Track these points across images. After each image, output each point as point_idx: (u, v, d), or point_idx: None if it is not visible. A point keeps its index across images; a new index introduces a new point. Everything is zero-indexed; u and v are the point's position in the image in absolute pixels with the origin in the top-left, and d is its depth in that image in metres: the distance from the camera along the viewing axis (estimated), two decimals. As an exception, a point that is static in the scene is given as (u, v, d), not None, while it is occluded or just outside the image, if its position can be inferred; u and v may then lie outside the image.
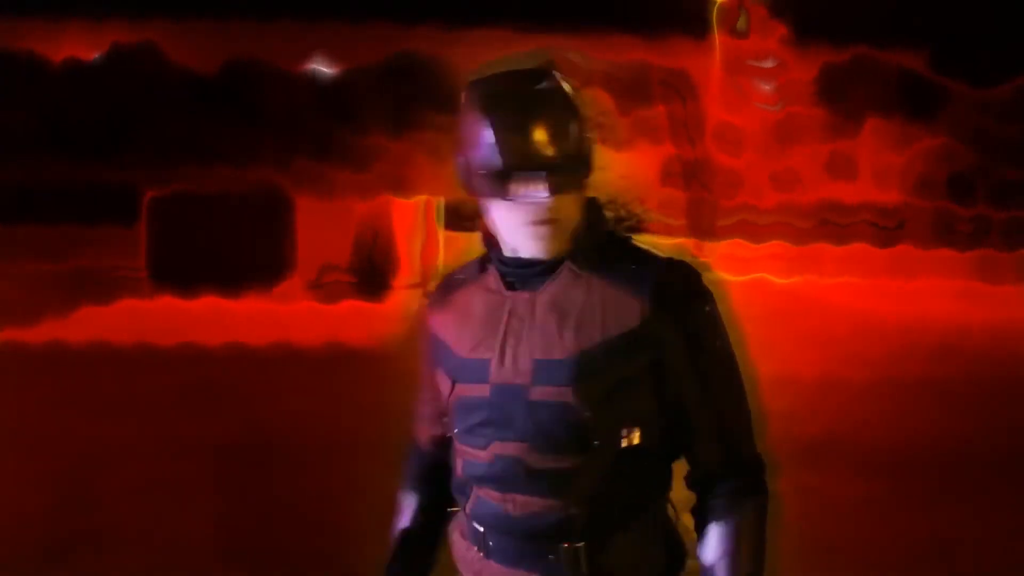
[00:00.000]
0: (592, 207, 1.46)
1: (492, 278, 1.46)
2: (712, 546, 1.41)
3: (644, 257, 1.46)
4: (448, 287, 1.54)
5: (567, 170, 1.36)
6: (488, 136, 1.34)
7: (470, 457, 1.45)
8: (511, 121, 1.35)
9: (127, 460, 5.29)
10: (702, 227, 18.86)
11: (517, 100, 1.36)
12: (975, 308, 14.09)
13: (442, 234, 15.87)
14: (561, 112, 1.37)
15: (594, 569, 1.41)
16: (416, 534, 1.62)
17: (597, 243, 1.44)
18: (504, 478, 1.40)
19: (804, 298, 14.92)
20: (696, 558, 1.45)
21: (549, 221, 1.37)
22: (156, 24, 31.59)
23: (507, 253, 1.44)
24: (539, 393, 1.37)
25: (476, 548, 1.48)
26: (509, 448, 1.39)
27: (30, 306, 11.57)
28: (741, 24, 28.65)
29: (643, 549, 1.44)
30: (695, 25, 24.17)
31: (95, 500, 4.66)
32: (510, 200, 1.36)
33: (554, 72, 1.39)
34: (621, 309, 1.38)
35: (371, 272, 14.89)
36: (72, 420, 6.18)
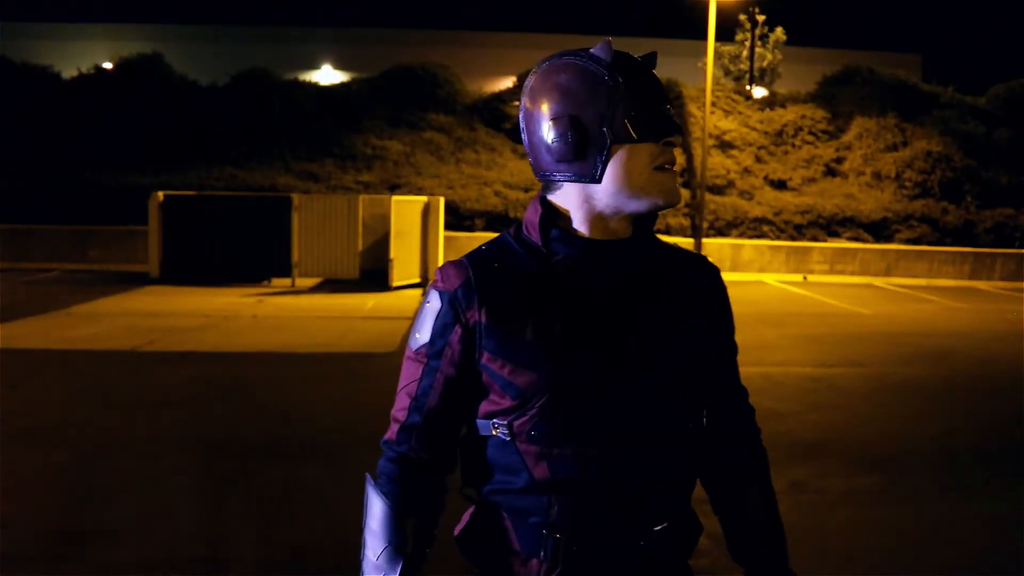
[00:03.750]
0: None
1: (563, 264, 1.40)
2: (757, 489, 1.56)
3: (681, 249, 1.53)
4: (492, 276, 1.40)
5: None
6: (633, 82, 1.37)
7: (563, 460, 1.36)
8: (644, 75, 1.40)
9: (135, 456, 5.32)
10: (699, 227, 18.96)
11: (640, 62, 1.42)
12: (964, 307, 14.19)
13: (442, 234, 15.88)
14: None
15: (671, 547, 1.45)
16: (420, 562, 1.49)
17: (651, 235, 1.48)
18: (616, 474, 1.36)
19: (797, 297, 15.00)
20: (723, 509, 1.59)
21: (673, 169, 1.41)
22: (164, 33, 31.72)
23: (583, 232, 1.41)
24: (655, 383, 1.39)
25: (539, 561, 1.40)
26: (625, 443, 1.37)
27: (42, 303, 11.65)
28: (738, 29, 28.72)
29: (692, 526, 1.52)
30: (692, 30, 24.26)
31: (103, 495, 4.67)
32: (663, 138, 1.37)
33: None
34: (695, 297, 1.46)
35: (372, 272, 14.95)
36: (80, 416, 6.23)
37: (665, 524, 1.42)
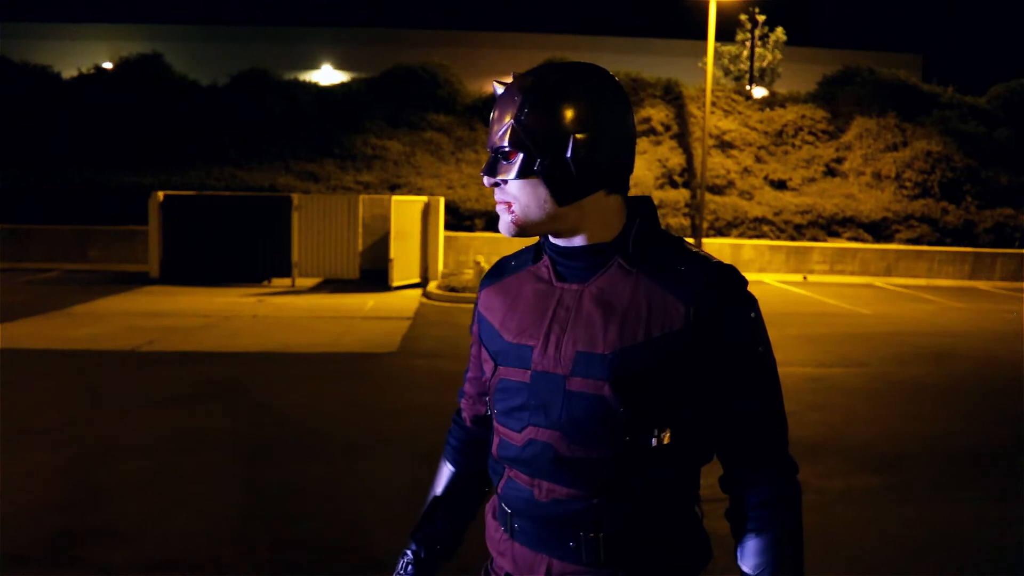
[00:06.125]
0: (641, 204, 1.46)
1: (544, 268, 1.50)
2: (755, 558, 1.43)
3: (693, 258, 1.41)
4: (501, 271, 1.58)
5: (505, 158, 1.39)
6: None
7: (506, 438, 1.47)
8: (495, 107, 1.43)
9: (135, 456, 5.32)
10: (699, 227, 18.95)
11: (504, 89, 1.43)
12: (964, 307, 14.18)
13: (442, 234, 15.88)
14: (522, 103, 1.37)
15: (611, 559, 1.40)
16: (448, 504, 1.68)
17: (646, 240, 1.43)
18: (534, 463, 1.42)
19: (797, 297, 15.00)
20: (737, 561, 1.46)
21: (501, 203, 1.43)
22: (164, 33, 31.71)
23: (553, 240, 1.48)
24: (577, 384, 1.38)
25: (503, 529, 1.51)
26: (542, 434, 1.41)
27: (42, 303, 11.67)
28: (738, 29, 28.71)
29: (665, 546, 1.43)
30: (692, 30, 24.26)
31: (103, 495, 4.67)
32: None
33: (556, 67, 1.40)
34: (667, 309, 1.36)
35: (372, 272, 14.95)
36: (80, 416, 6.23)
37: (601, 534, 1.39)
